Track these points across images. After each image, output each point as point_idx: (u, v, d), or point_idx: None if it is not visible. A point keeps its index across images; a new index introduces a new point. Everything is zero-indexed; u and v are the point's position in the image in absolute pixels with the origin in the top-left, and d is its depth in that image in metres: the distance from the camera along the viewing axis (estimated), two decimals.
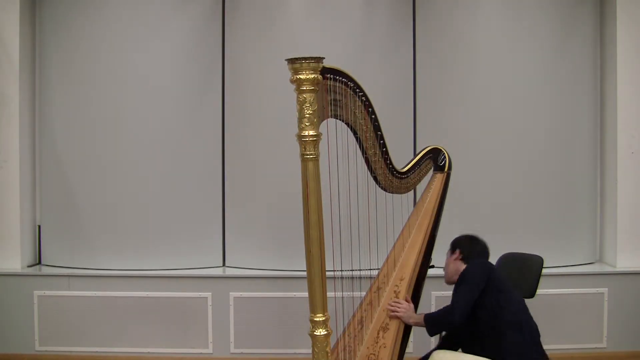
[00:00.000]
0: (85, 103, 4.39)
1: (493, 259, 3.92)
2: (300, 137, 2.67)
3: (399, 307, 3.12)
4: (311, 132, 2.64)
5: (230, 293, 4.28)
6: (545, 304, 4.19)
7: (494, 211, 4.38)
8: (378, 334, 3.07)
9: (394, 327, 3.07)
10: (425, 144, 4.54)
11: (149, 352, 4.27)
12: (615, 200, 4.44)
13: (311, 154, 2.66)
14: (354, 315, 3.23)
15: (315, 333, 2.72)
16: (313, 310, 2.71)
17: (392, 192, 3.28)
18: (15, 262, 4.38)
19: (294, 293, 4.19)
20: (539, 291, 3.64)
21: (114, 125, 4.38)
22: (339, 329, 3.06)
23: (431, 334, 3.16)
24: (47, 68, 4.51)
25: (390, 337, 3.03)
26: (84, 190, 4.42)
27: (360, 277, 3.35)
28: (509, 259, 3.87)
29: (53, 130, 4.49)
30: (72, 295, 4.27)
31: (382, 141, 3.06)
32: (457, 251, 3.25)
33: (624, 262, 4.40)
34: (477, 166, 4.40)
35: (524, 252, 3.85)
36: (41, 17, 4.54)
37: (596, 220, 4.62)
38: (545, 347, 4.15)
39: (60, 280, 4.30)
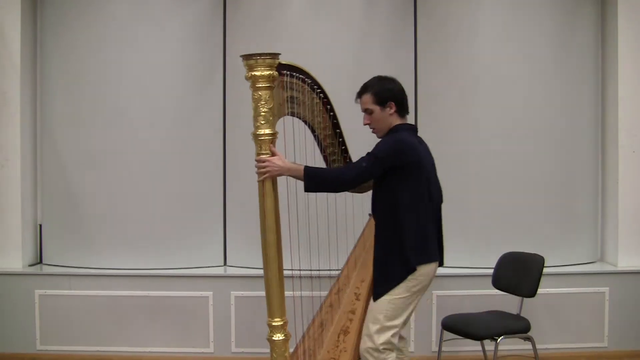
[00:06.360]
0: (87, 102, 4.39)
1: (494, 259, 3.95)
2: (255, 135, 2.65)
3: (266, 165, 2.65)
4: (267, 131, 2.62)
5: (232, 292, 4.27)
6: (546, 304, 4.19)
7: (494, 211, 4.37)
8: (339, 337, 2.98)
9: (354, 330, 2.97)
10: (425, 141, 4.55)
11: (149, 352, 4.27)
12: (617, 199, 4.44)
13: (267, 154, 2.65)
14: (314, 318, 3.15)
15: (273, 338, 2.68)
16: (271, 315, 2.68)
17: (353, 192, 3.18)
18: (16, 261, 4.38)
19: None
20: (540, 291, 3.64)
21: (114, 124, 4.37)
22: (297, 330, 2.97)
23: (309, 190, 2.79)
24: (48, 67, 4.50)
25: (351, 341, 2.93)
26: (85, 189, 4.42)
27: (319, 277, 3.29)
28: (510, 259, 3.87)
29: (54, 129, 4.49)
30: (73, 294, 4.27)
31: (341, 139, 2.99)
32: (392, 104, 2.95)
33: (625, 262, 4.40)
34: (478, 165, 4.39)
35: (524, 251, 3.85)
36: (42, 16, 4.53)
37: (597, 220, 4.61)
38: (546, 346, 4.19)
39: (61, 279, 4.30)
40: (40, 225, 4.58)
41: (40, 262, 4.58)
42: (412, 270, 2.82)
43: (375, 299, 2.90)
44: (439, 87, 4.48)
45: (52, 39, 4.48)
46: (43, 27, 4.53)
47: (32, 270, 4.43)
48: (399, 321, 2.87)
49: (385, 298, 2.84)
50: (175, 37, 4.40)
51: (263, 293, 4.23)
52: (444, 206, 4.34)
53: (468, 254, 4.37)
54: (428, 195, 2.92)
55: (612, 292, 4.30)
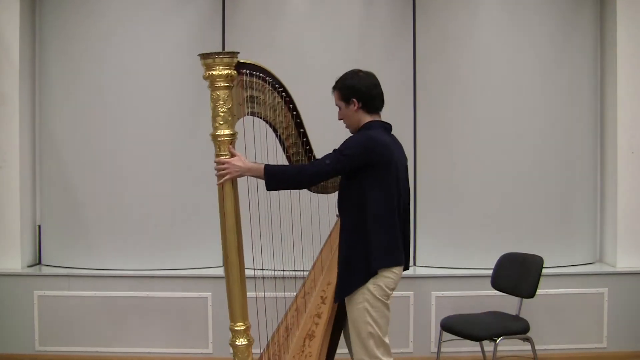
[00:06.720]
0: (85, 103, 4.38)
1: (493, 260, 3.95)
2: (214, 136, 2.61)
3: (226, 167, 2.67)
4: (226, 132, 2.59)
5: None
6: (545, 304, 4.19)
7: (493, 211, 4.37)
8: (304, 342, 2.92)
9: (320, 334, 2.90)
10: (425, 142, 4.57)
11: (149, 352, 4.26)
12: (615, 200, 4.44)
13: (226, 155, 2.61)
14: (279, 325, 3.09)
15: (236, 343, 2.61)
16: (233, 319, 2.61)
17: (318, 193, 3.10)
18: (15, 262, 4.37)
19: (294, 293, 4.17)
20: (539, 291, 3.64)
21: (113, 125, 4.37)
22: (262, 334, 2.90)
23: (270, 188, 2.77)
24: (47, 68, 4.50)
25: (316, 345, 2.86)
26: (84, 190, 4.41)
27: (283, 277, 3.25)
28: (509, 259, 3.87)
29: (53, 130, 4.48)
30: (72, 295, 4.26)
31: (305, 139, 2.93)
32: (355, 101, 2.84)
33: (623, 262, 4.40)
34: (477, 165, 4.39)
35: (524, 252, 3.85)
36: (41, 15, 4.52)
37: (596, 220, 4.61)
38: (545, 347, 4.19)
39: (60, 280, 4.29)
40: (39, 226, 4.57)
41: (39, 262, 4.57)
42: (376, 272, 2.76)
43: (336, 300, 2.87)
44: (438, 86, 4.48)
45: (51, 38, 4.48)
46: (42, 27, 4.53)
47: (31, 271, 4.42)
48: (385, 328, 2.81)
49: (367, 311, 2.76)
50: (175, 37, 4.40)
51: (262, 293, 4.27)
52: (443, 206, 4.40)
53: (467, 255, 4.37)
54: (397, 196, 2.83)
55: (611, 293, 4.30)
